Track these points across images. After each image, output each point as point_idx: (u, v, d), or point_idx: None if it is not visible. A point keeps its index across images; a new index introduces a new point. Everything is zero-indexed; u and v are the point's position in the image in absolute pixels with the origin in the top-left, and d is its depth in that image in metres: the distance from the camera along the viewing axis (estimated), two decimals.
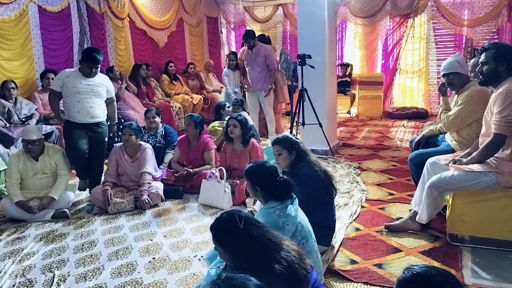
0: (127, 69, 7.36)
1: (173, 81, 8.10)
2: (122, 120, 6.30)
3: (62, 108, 4.38)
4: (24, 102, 5.47)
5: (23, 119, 5.29)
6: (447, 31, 8.56)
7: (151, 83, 7.63)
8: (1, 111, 5.17)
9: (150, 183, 4.18)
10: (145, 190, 4.08)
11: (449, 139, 3.61)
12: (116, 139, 5.86)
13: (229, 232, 1.81)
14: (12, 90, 5.31)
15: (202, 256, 3.05)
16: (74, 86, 4.10)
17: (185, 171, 4.42)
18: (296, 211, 2.39)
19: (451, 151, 3.43)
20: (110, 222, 3.80)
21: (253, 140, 4.39)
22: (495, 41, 7.59)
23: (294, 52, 7.78)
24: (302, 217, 2.45)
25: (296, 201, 2.44)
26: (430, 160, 3.35)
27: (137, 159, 4.30)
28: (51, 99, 4.33)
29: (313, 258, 2.41)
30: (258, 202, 3.34)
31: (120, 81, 6.66)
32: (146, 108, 6.85)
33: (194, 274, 2.82)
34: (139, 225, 3.72)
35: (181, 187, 4.40)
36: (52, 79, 5.72)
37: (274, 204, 2.37)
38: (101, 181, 4.27)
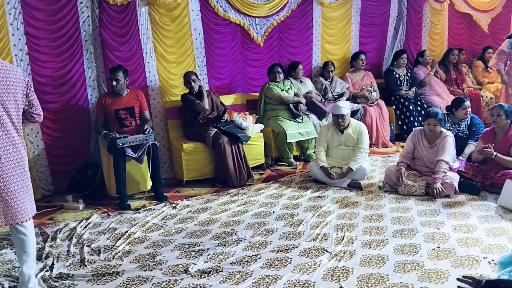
0: (439, 54, 7.16)
1: (488, 69, 7.31)
2: (425, 106, 6.21)
3: None
4: (339, 81, 6.13)
5: (336, 96, 5.97)
6: None
7: (462, 69, 7.15)
8: (319, 88, 6.00)
9: (445, 172, 4.01)
10: (439, 178, 3.96)
11: None
12: None
13: None
14: (331, 71, 6.03)
15: (493, 260, 2.77)
16: None
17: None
18: None
19: None
20: (398, 202, 3.91)
21: None
22: None
23: None
24: None
25: None
26: None
27: (435, 146, 4.18)
28: None
29: None
30: None
31: (430, 67, 6.57)
32: (453, 96, 6.53)
33: (481, 276, 2.60)
34: (427, 211, 3.67)
35: (480, 183, 4.04)
36: (363, 60, 6.21)
37: None
38: (397, 162, 4.39)
